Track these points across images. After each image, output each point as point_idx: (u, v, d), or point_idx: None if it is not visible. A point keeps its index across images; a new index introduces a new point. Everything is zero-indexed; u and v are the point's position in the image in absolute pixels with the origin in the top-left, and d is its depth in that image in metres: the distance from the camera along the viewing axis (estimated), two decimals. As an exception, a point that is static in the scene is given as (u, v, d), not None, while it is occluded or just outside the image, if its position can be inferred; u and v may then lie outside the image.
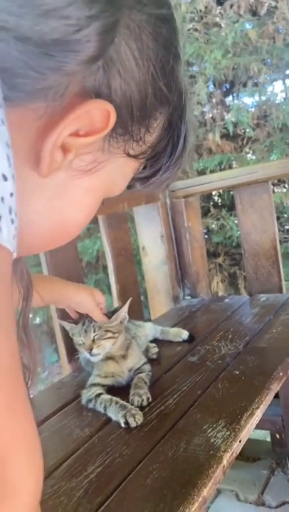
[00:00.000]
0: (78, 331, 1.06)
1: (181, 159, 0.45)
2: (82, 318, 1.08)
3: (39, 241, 0.40)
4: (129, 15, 0.34)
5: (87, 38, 0.31)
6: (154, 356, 1.24)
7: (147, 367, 1.12)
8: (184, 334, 1.34)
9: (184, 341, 1.33)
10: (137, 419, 0.91)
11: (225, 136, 3.74)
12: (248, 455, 1.83)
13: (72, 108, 0.33)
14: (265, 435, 2.12)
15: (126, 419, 0.91)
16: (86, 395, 1.04)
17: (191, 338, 1.34)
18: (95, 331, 1.05)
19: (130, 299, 1.17)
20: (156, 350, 1.27)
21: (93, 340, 1.04)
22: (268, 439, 1.88)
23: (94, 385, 1.06)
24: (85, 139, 0.35)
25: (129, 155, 0.39)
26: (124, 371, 1.08)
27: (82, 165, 0.37)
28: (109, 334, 1.06)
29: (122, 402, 0.97)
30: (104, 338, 1.05)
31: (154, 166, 0.44)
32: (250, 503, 1.63)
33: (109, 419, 0.96)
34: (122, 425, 0.91)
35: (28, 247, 0.39)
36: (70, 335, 1.09)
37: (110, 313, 1.09)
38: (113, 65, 0.34)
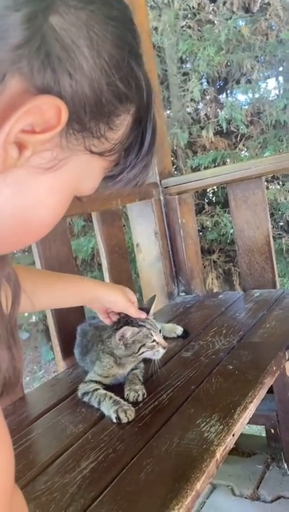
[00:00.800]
0: (147, 333, 1.01)
1: (147, 157, 0.46)
2: (120, 321, 1.04)
3: (2, 239, 0.40)
4: (64, 4, 0.35)
5: (13, 25, 0.32)
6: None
7: (141, 364, 1.12)
8: (179, 330, 1.34)
9: (179, 337, 1.33)
10: (128, 414, 0.91)
11: (219, 133, 3.74)
12: (244, 450, 1.84)
13: (22, 104, 0.34)
14: (260, 430, 2.13)
15: (117, 415, 0.91)
16: (83, 388, 1.04)
17: (185, 334, 1.33)
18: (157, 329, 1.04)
19: (155, 295, 1.17)
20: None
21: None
22: (263, 434, 1.89)
23: (93, 381, 1.05)
24: (41, 135, 0.35)
25: (92, 152, 0.40)
26: (126, 373, 1.07)
27: (43, 162, 0.37)
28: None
29: (115, 397, 0.97)
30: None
31: (122, 163, 0.45)
32: (246, 497, 1.64)
33: (102, 416, 0.96)
34: (114, 420, 0.91)
35: None
36: (130, 341, 1.02)
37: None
38: (60, 62, 0.34)
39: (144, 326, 1.02)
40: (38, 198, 0.39)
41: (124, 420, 0.90)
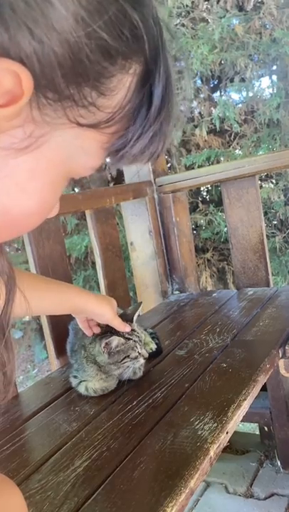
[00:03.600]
0: (133, 345, 1.02)
1: (156, 123, 0.36)
2: (107, 333, 1.04)
3: None
4: None
5: None
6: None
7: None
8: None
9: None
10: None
11: (212, 131, 3.75)
12: (237, 448, 1.85)
13: None
14: (253, 428, 2.15)
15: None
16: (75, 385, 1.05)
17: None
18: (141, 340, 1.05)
19: (141, 302, 1.17)
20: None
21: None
22: (257, 432, 1.90)
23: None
24: (6, 109, 0.29)
25: (80, 124, 0.33)
26: (114, 384, 1.07)
27: (14, 142, 0.31)
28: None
29: None
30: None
31: (124, 135, 0.37)
32: (239, 495, 1.65)
33: (96, 414, 0.96)
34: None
35: None
36: (115, 350, 1.01)
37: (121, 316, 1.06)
38: (14, 13, 0.27)
39: (131, 339, 1.03)
40: (16, 185, 0.33)
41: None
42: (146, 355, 1.06)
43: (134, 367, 1.05)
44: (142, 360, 1.04)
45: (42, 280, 0.98)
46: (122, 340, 1.01)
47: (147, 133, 0.36)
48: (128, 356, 1.02)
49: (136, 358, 1.03)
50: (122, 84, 0.33)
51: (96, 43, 0.30)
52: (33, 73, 0.29)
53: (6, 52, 0.28)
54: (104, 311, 0.99)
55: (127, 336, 1.02)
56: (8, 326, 0.44)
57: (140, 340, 1.05)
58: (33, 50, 0.28)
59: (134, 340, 1.03)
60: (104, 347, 1.00)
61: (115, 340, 1.00)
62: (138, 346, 1.03)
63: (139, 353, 1.03)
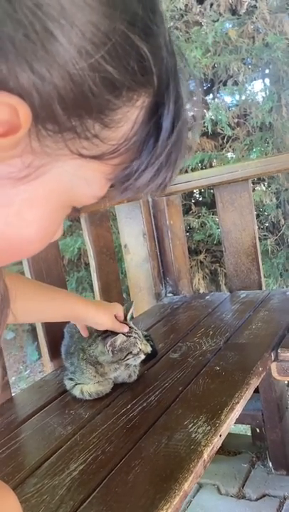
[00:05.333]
0: (134, 342, 1.04)
1: (161, 156, 0.35)
2: (106, 332, 1.06)
3: None
4: None
5: None
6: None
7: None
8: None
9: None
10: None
11: (205, 134, 3.77)
12: (229, 449, 1.87)
13: None
14: (245, 429, 2.16)
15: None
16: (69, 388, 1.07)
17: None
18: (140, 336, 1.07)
19: (133, 301, 1.18)
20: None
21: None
22: (249, 433, 1.92)
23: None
24: (3, 139, 0.28)
25: (82, 156, 0.32)
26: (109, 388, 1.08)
27: (13, 171, 0.31)
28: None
29: None
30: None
31: (128, 167, 0.36)
32: (231, 496, 1.66)
33: (91, 417, 0.97)
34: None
35: None
36: (118, 348, 1.03)
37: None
38: (14, 47, 0.26)
39: (131, 335, 1.05)
40: (15, 213, 0.33)
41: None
42: (147, 350, 1.08)
43: (135, 364, 1.07)
44: (142, 356, 1.06)
45: (43, 288, 0.99)
46: (124, 337, 1.03)
47: (153, 165, 0.35)
48: (130, 353, 1.04)
49: (138, 353, 1.05)
50: (128, 117, 0.32)
51: (100, 75, 0.29)
52: (32, 106, 0.28)
53: (4, 84, 0.27)
54: (102, 320, 1.01)
55: (127, 333, 1.04)
56: None
57: (139, 336, 1.07)
58: (32, 83, 0.27)
59: (134, 337, 1.05)
60: (109, 346, 1.01)
61: (120, 339, 1.02)
62: (138, 342, 1.06)
63: (140, 349, 1.05)
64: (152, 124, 0.34)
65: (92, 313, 1.00)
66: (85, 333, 1.07)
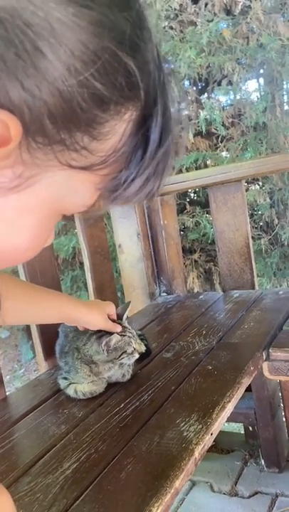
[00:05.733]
0: (128, 341, 1.05)
1: (150, 166, 0.36)
2: (101, 332, 1.06)
3: None
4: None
5: None
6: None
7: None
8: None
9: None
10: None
11: (200, 134, 3.78)
12: (222, 447, 1.88)
13: None
14: (238, 428, 2.18)
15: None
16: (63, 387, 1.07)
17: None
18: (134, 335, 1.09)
19: (130, 301, 1.19)
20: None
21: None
22: (242, 431, 1.94)
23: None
24: None
25: (72, 166, 0.33)
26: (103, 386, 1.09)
27: (4, 181, 0.32)
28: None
29: None
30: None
31: (117, 177, 0.37)
32: (224, 493, 1.68)
33: (85, 416, 0.98)
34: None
35: None
36: (112, 348, 1.04)
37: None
38: (4, 64, 0.27)
39: (125, 335, 1.06)
40: (5, 222, 0.34)
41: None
42: (141, 349, 1.10)
43: (129, 363, 1.08)
44: (136, 355, 1.07)
45: (34, 289, 1.00)
46: (119, 337, 1.04)
47: (142, 176, 0.36)
48: (125, 352, 1.05)
49: (132, 353, 1.06)
50: (116, 130, 0.34)
51: (88, 91, 0.30)
52: (23, 121, 0.29)
53: None
54: (94, 319, 1.02)
55: (120, 332, 1.06)
56: None
57: (134, 336, 1.08)
58: (23, 100, 0.28)
59: (129, 336, 1.07)
60: (104, 345, 1.02)
61: (114, 339, 1.03)
62: (133, 342, 1.07)
63: (134, 348, 1.07)
64: (140, 136, 0.35)
65: (83, 314, 1.01)
66: (81, 328, 1.08)
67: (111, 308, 1.07)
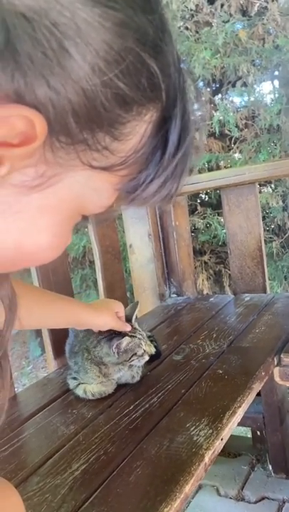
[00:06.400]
0: (138, 343, 1.05)
1: (168, 168, 0.36)
2: (111, 334, 1.06)
3: None
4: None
5: None
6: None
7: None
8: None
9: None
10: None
11: (213, 135, 3.77)
12: (229, 451, 1.87)
13: None
14: (246, 431, 2.16)
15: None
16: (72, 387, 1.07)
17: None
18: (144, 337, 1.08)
19: (138, 301, 1.19)
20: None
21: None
22: (249, 435, 1.92)
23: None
24: (18, 149, 0.30)
25: (92, 167, 0.33)
26: (112, 388, 1.09)
27: (26, 180, 0.32)
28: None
29: None
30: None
31: (136, 178, 0.37)
32: (230, 498, 1.67)
33: (94, 417, 0.98)
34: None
35: None
36: (123, 350, 1.03)
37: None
38: (32, 63, 0.28)
39: (136, 337, 1.05)
40: (27, 221, 0.34)
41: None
42: (151, 351, 1.09)
43: (139, 365, 1.08)
44: (147, 357, 1.07)
45: (46, 294, 1.00)
46: (129, 339, 1.04)
47: (160, 177, 0.36)
48: (135, 354, 1.05)
49: (142, 355, 1.06)
50: (137, 130, 0.34)
51: (112, 91, 0.30)
52: (47, 119, 0.29)
53: (22, 98, 0.28)
54: (104, 321, 1.02)
55: (131, 334, 1.05)
56: (4, 351, 0.44)
57: (144, 338, 1.08)
58: (48, 98, 0.29)
59: (139, 338, 1.06)
60: (115, 348, 1.02)
61: (125, 341, 1.03)
62: (143, 343, 1.06)
63: (145, 350, 1.06)
64: (160, 138, 0.35)
65: (93, 317, 1.01)
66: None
67: (119, 307, 1.07)
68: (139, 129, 0.34)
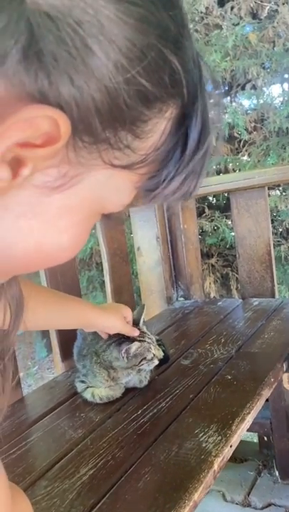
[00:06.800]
0: (148, 347, 1.05)
1: (189, 165, 0.36)
2: (120, 338, 1.06)
3: (16, 262, 0.36)
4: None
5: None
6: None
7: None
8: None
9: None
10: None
11: (222, 137, 3.76)
12: (236, 456, 1.86)
13: (11, 114, 0.28)
14: (252, 436, 2.15)
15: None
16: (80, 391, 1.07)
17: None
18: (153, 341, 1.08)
19: (144, 304, 1.19)
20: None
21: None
22: (255, 440, 1.91)
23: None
24: (41, 150, 0.29)
25: (113, 165, 0.33)
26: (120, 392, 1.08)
27: (49, 180, 0.32)
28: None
29: None
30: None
31: (157, 176, 0.37)
32: (237, 503, 1.65)
33: (102, 421, 0.97)
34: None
35: (4, 270, 0.37)
36: (132, 354, 1.03)
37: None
38: (56, 62, 0.27)
39: (145, 341, 1.05)
40: (47, 221, 0.34)
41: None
42: (160, 355, 1.09)
43: (148, 369, 1.07)
44: (156, 361, 1.07)
45: (54, 295, 1.00)
46: (139, 344, 1.03)
47: (180, 175, 0.36)
48: (145, 358, 1.04)
49: (152, 359, 1.05)
50: (158, 128, 0.33)
51: (134, 88, 0.30)
52: (71, 118, 0.29)
53: (45, 97, 0.28)
54: (113, 323, 1.02)
55: (139, 338, 1.05)
56: (8, 353, 0.43)
57: (153, 342, 1.08)
58: (72, 96, 0.28)
59: (148, 342, 1.06)
60: (124, 352, 1.02)
61: (134, 346, 1.02)
62: (152, 348, 1.06)
63: (154, 355, 1.06)
64: (180, 135, 0.35)
65: (103, 319, 1.01)
66: (103, 335, 1.07)
67: (127, 312, 1.07)
68: (159, 126, 0.34)
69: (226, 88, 4.04)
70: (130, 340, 1.03)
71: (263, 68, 3.56)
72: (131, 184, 0.37)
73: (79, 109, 0.29)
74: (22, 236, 0.34)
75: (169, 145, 0.35)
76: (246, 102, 3.89)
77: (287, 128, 3.57)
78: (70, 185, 0.33)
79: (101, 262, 1.66)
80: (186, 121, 0.35)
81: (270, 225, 1.75)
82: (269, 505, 1.61)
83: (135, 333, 1.05)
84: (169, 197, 0.38)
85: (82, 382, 1.09)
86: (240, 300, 1.77)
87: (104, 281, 1.65)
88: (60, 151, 0.30)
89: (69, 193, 0.33)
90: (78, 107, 0.29)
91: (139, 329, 1.06)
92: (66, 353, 1.30)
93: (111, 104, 0.29)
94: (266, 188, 1.70)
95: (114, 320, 1.02)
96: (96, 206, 0.37)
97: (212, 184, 1.80)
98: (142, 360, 1.03)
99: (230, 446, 0.84)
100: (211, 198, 4.16)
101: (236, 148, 3.86)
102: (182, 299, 1.93)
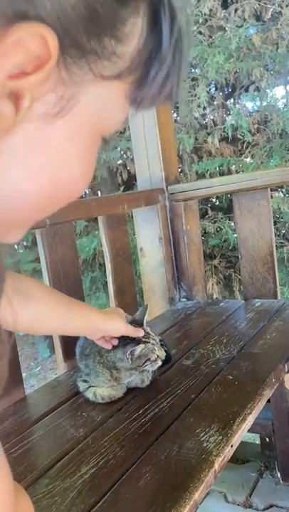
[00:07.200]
0: (152, 348, 1.05)
1: (167, 62, 0.36)
2: (125, 340, 1.06)
3: (31, 206, 0.36)
4: None
5: None
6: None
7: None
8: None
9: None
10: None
11: (225, 139, 3.76)
12: (238, 457, 1.86)
13: None
14: (254, 437, 2.15)
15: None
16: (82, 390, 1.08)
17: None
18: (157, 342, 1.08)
19: (147, 305, 1.19)
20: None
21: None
22: (257, 441, 1.91)
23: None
24: (34, 76, 0.29)
25: (104, 77, 0.33)
26: (122, 392, 1.09)
27: (48, 107, 0.31)
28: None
29: None
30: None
31: (143, 84, 0.37)
32: (238, 504, 1.65)
33: (103, 421, 0.98)
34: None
35: (19, 217, 0.36)
36: (136, 356, 1.03)
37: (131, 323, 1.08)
38: None
39: (149, 342, 1.05)
40: (56, 150, 0.34)
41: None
42: (164, 356, 1.09)
43: (152, 370, 1.07)
44: (160, 362, 1.07)
45: (58, 296, 0.96)
46: (143, 345, 1.03)
47: (162, 71, 0.36)
48: (149, 359, 1.05)
49: (155, 360, 1.06)
50: (136, 29, 0.34)
51: None
52: (56, 32, 0.28)
53: (25, 15, 0.27)
54: (117, 326, 1.01)
55: (144, 339, 1.05)
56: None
57: (157, 343, 1.08)
58: (52, 8, 0.28)
59: (152, 343, 1.06)
60: (129, 354, 1.02)
61: (139, 348, 1.02)
62: (156, 348, 1.06)
63: (158, 356, 1.06)
64: (156, 32, 0.35)
65: (106, 323, 1.00)
66: (107, 346, 1.05)
67: (121, 314, 1.06)
68: (137, 26, 0.34)
69: (230, 90, 4.04)
70: (135, 341, 1.03)
71: (267, 70, 3.56)
72: (122, 94, 0.36)
73: (60, 20, 0.29)
74: (34, 173, 0.34)
75: (150, 45, 0.35)
76: (250, 103, 3.89)
77: (290, 130, 3.57)
78: (69, 108, 0.33)
79: (104, 263, 1.67)
80: (157, 16, 0.35)
81: (273, 227, 1.75)
82: (271, 506, 1.61)
83: (140, 333, 1.04)
84: (155, 98, 0.38)
85: (85, 381, 1.10)
86: (243, 301, 1.77)
87: (107, 282, 1.65)
88: (53, 72, 0.30)
89: (69, 117, 0.33)
90: (59, 18, 0.29)
91: (143, 330, 1.06)
92: (68, 353, 1.30)
93: (88, 9, 0.29)
94: (268, 189, 1.70)
95: (116, 322, 1.01)
96: (96, 127, 0.36)
97: (215, 185, 1.81)
98: (145, 361, 1.04)
99: (232, 446, 0.84)
100: (214, 200, 4.16)
101: (239, 150, 3.86)
102: (184, 299, 1.93)
